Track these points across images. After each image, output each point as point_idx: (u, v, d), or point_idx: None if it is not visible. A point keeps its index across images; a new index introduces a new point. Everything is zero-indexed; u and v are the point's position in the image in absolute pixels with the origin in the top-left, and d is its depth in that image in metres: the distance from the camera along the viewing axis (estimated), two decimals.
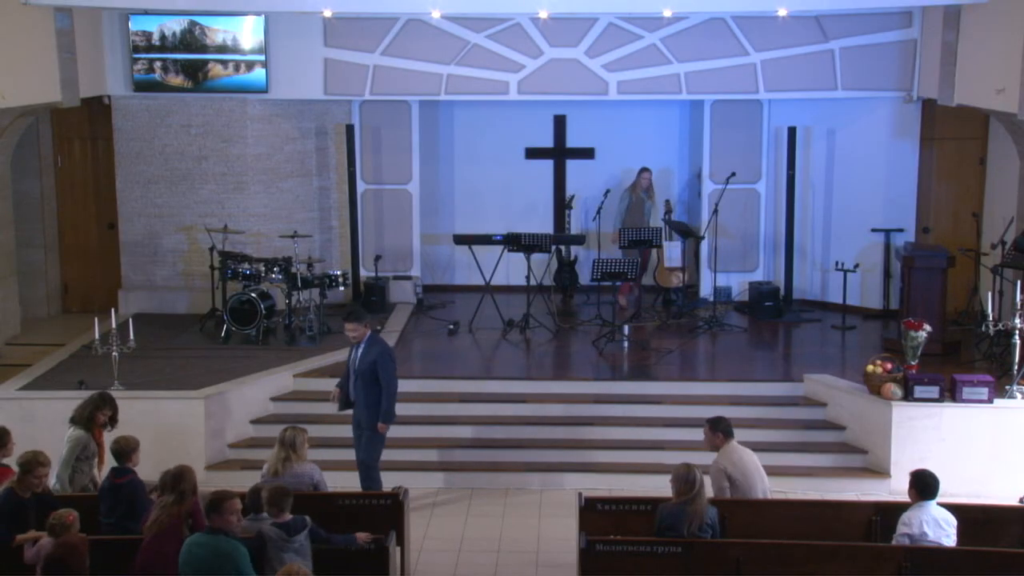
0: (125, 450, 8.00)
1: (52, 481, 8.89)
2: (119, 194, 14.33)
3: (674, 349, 12.67)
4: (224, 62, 13.86)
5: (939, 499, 7.70)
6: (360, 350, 9.44)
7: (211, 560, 6.76)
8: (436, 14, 12.38)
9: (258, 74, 13.88)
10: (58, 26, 12.64)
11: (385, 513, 8.34)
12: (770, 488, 8.41)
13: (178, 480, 7.22)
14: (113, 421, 9.04)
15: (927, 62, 13.33)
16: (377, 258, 14.67)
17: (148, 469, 8.62)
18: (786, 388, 11.59)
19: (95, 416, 8.92)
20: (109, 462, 8.38)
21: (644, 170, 14.49)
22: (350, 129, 14.39)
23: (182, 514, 7.12)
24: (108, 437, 8.71)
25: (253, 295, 12.69)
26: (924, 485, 7.61)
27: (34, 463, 7.47)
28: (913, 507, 7.59)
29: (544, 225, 15.23)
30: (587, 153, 15.47)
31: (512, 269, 14.24)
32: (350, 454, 9.82)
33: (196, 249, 14.16)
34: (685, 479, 7.46)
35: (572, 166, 15.53)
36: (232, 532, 6.90)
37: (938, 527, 7.50)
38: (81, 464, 8.82)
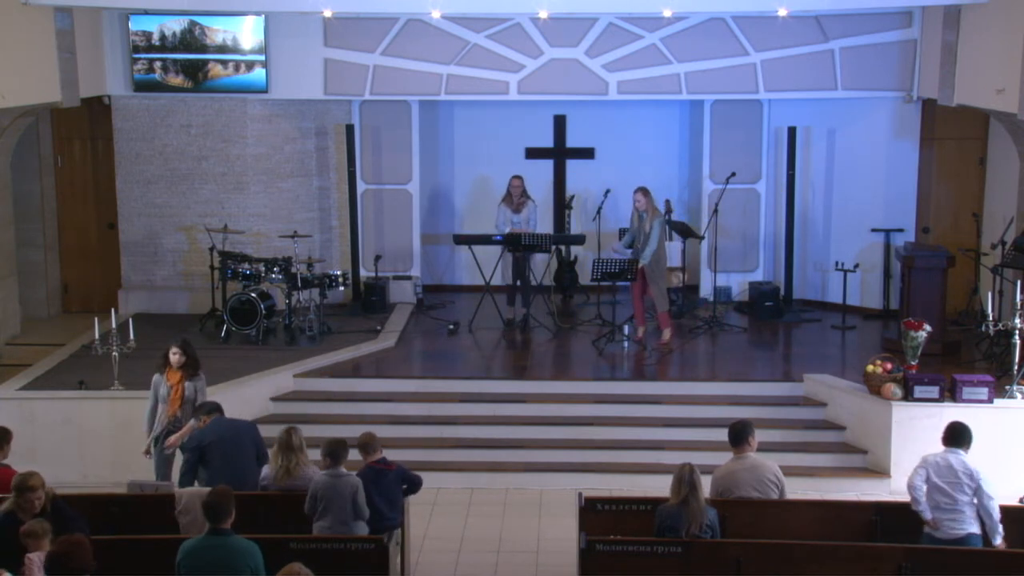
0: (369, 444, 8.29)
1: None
2: (119, 194, 14.32)
3: (674, 349, 12.67)
4: (224, 62, 13.86)
5: None
6: None
7: (228, 559, 6.67)
8: (436, 14, 12.39)
9: (258, 74, 13.88)
10: (58, 26, 12.64)
11: None
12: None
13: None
14: None
15: (927, 62, 13.33)
16: (377, 258, 14.66)
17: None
18: (786, 388, 11.60)
19: None
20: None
21: None
22: (350, 129, 14.39)
23: None
24: None
25: (253, 295, 12.69)
26: (949, 434, 7.73)
27: (23, 487, 7.03)
28: (941, 452, 7.72)
29: (544, 225, 15.22)
30: (587, 153, 15.46)
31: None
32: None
33: (196, 249, 14.15)
34: (678, 479, 7.44)
35: (572, 166, 15.53)
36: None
37: (952, 475, 7.58)
38: None
